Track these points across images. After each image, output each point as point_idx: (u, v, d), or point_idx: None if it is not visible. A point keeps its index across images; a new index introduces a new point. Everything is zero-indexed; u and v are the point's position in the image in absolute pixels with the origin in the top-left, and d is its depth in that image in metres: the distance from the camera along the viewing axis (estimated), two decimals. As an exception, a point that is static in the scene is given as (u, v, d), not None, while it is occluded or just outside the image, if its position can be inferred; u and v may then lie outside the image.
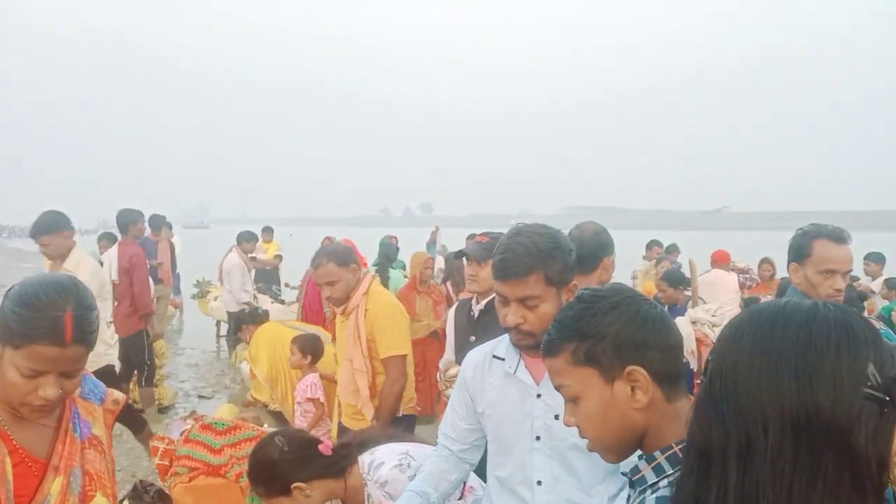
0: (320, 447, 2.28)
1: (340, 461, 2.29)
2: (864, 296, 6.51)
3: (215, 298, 10.39)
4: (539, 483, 1.81)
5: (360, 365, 3.42)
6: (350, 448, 2.36)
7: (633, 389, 1.18)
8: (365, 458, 2.30)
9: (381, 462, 2.25)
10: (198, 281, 11.99)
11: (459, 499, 2.33)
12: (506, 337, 1.93)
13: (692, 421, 0.92)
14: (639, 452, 1.24)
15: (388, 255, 7.40)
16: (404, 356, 3.45)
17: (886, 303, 6.47)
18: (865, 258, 8.29)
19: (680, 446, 1.16)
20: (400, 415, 3.49)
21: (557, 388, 1.26)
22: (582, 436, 1.25)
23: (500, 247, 1.82)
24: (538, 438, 1.81)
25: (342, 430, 3.67)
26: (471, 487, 2.39)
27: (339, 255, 3.47)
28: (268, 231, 11.64)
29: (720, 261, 8.10)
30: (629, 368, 1.17)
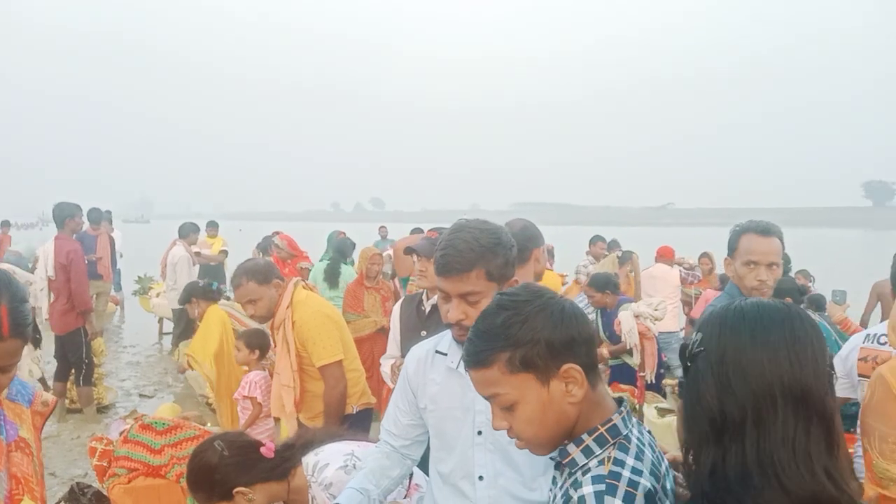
0: (262, 450, 2.24)
1: (283, 464, 2.26)
2: (803, 290, 6.70)
3: (157, 295, 10.16)
4: (480, 478, 1.81)
5: (288, 380, 3.43)
6: (293, 450, 2.31)
7: (566, 385, 1.23)
8: (309, 460, 2.26)
9: (326, 463, 2.21)
10: (139, 277, 11.68)
11: (405, 496, 2.32)
12: (448, 332, 1.92)
13: (701, 398, 1.13)
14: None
15: (342, 251, 7.31)
16: (339, 361, 3.42)
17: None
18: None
19: (605, 427, 1.26)
20: (354, 411, 3.50)
21: (489, 398, 1.27)
22: (514, 436, 1.28)
23: (442, 243, 1.81)
24: (480, 433, 1.81)
25: (301, 426, 3.64)
26: (416, 485, 2.38)
27: (259, 273, 3.41)
28: (212, 226, 11.39)
29: (664, 256, 8.35)
30: (565, 367, 1.22)
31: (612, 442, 1.23)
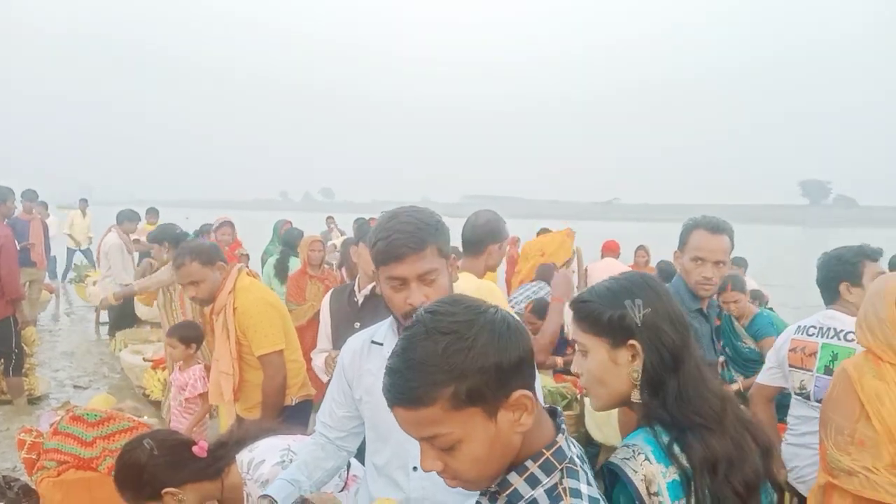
0: (194, 449, 2.17)
1: (216, 462, 2.19)
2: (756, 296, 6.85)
3: (94, 283, 9.84)
4: (415, 469, 1.80)
5: (227, 367, 3.35)
6: (227, 448, 2.24)
7: (515, 413, 1.07)
8: (244, 457, 2.20)
9: (262, 460, 2.15)
10: (75, 265, 11.31)
11: (343, 489, 2.29)
12: (385, 322, 1.90)
13: (664, 343, 1.41)
14: None
15: (290, 244, 7.10)
16: (280, 351, 3.35)
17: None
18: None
19: (551, 451, 1.12)
20: (293, 403, 3.43)
21: (426, 440, 1.08)
22: (448, 476, 1.10)
23: (383, 231, 1.75)
24: None
25: (239, 420, 3.54)
26: (354, 476, 2.35)
27: (203, 254, 3.32)
28: (153, 213, 11.12)
29: (611, 250, 8.65)
30: (517, 395, 1.05)
31: (559, 468, 1.11)
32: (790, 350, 3.06)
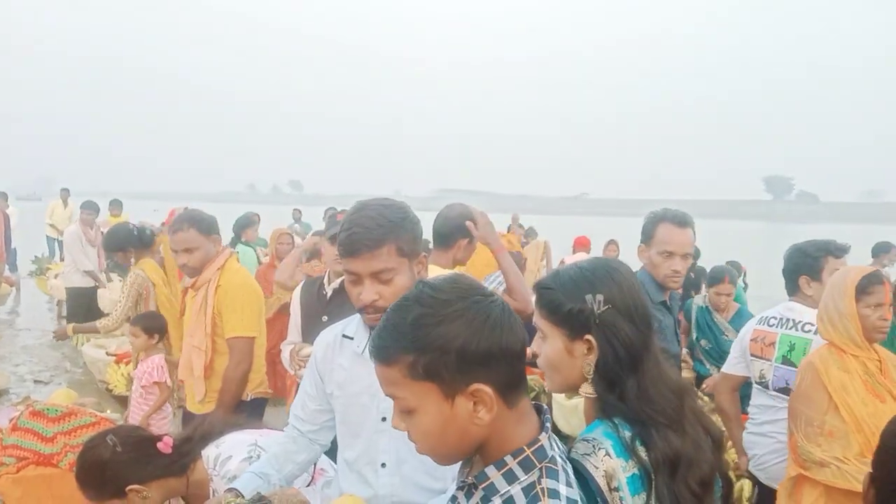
0: (159, 445, 2.12)
1: (182, 458, 2.15)
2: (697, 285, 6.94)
3: (56, 276, 9.64)
4: (383, 465, 1.80)
5: (200, 342, 3.26)
6: (192, 443, 2.20)
7: (475, 404, 1.08)
8: (210, 452, 2.16)
9: (229, 456, 2.12)
10: (36, 257, 11.07)
11: (310, 483, 2.28)
12: (357, 316, 1.89)
13: (621, 341, 1.39)
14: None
15: (235, 230, 7.00)
16: (251, 339, 3.29)
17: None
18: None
19: (532, 448, 1.12)
20: (248, 399, 3.35)
21: (389, 396, 1.14)
22: (412, 440, 1.15)
23: (346, 223, 1.74)
24: (384, 419, 1.79)
25: (187, 416, 3.48)
26: (321, 469, 2.34)
27: (202, 222, 3.29)
28: (116, 205, 10.92)
29: (583, 245, 8.98)
30: (474, 387, 1.07)
31: (538, 466, 1.10)
32: (752, 340, 3.13)
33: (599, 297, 1.40)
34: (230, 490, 1.79)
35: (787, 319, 3.03)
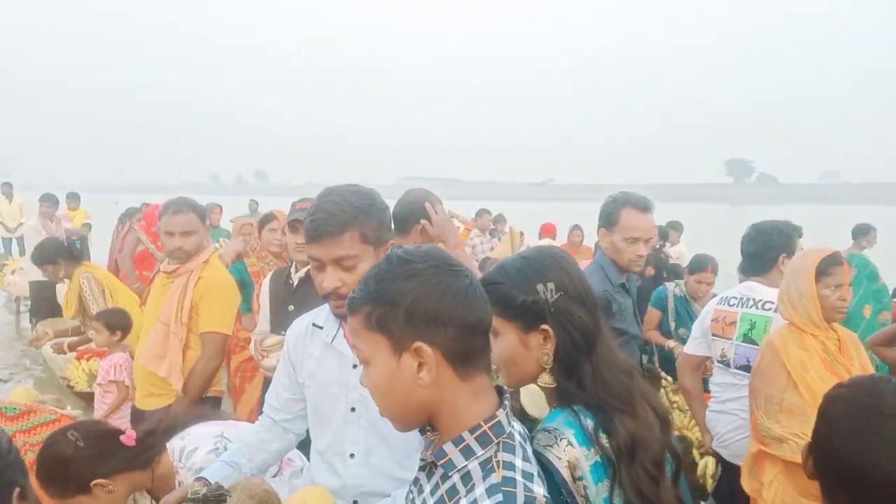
0: (122, 438, 2.09)
1: (147, 451, 2.12)
2: (677, 271, 6.99)
3: (13, 272, 9.38)
4: (352, 455, 1.79)
5: (177, 330, 3.18)
6: (156, 436, 2.18)
7: (419, 365, 1.11)
8: (175, 445, 2.15)
9: (195, 447, 2.11)
10: (-7, 252, 10.76)
11: (276, 473, 2.26)
12: (327, 305, 1.87)
13: (575, 326, 1.39)
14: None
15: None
16: (226, 336, 3.25)
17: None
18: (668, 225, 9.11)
19: (489, 424, 1.13)
20: (203, 396, 3.27)
21: (352, 348, 1.22)
22: (374, 401, 1.20)
23: (312, 208, 1.72)
24: (353, 410, 1.79)
25: (136, 413, 3.40)
26: (289, 459, 2.33)
27: (200, 209, 3.29)
28: (73, 198, 10.65)
29: (548, 232, 9.11)
30: (416, 344, 1.10)
31: (495, 441, 1.12)
32: (713, 320, 3.19)
33: (551, 285, 1.40)
34: (199, 479, 1.76)
35: (748, 298, 3.09)
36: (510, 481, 1.07)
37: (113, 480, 2.03)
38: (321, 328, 1.86)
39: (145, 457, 2.12)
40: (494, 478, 1.07)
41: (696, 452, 3.69)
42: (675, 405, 4.11)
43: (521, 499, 1.04)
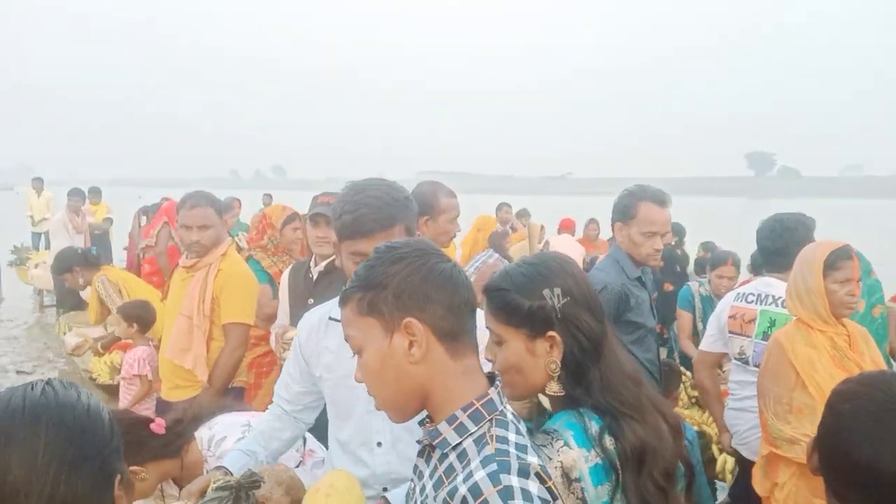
0: (152, 426, 2.14)
1: (176, 440, 2.16)
2: (684, 263, 6.91)
3: (37, 266, 9.52)
4: (379, 444, 1.81)
5: (200, 322, 3.23)
6: (183, 425, 2.22)
7: (410, 343, 1.15)
8: (204, 434, 2.19)
9: (224, 437, 2.14)
10: (15, 247, 10.93)
11: (299, 464, 2.28)
12: None
13: (582, 331, 1.38)
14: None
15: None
16: (248, 326, 3.30)
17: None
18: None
19: (481, 402, 1.15)
20: (229, 387, 3.33)
21: (346, 340, 1.24)
22: (370, 394, 1.22)
23: (349, 204, 1.72)
24: None
25: (161, 404, 3.45)
26: (311, 451, 2.35)
27: (217, 202, 3.34)
28: (95, 192, 10.79)
29: (567, 228, 9.11)
30: (406, 320, 1.14)
31: (488, 418, 1.14)
32: (730, 317, 3.14)
33: (557, 290, 1.38)
34: (218, 468, 1.79)
35: (767, 295, 3.03)
36: (503, 452, 1.10)
37: (145, 468, 2.06)
38: (339, 321, 1.87)
39: (175, 445, 2.16)
40: (488, 450, 1.10)
41: (715, 448, 3.66)
42: (693, 400, 4.08)
43: (514, 466, 1.07)
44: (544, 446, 1.31)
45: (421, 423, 1.23)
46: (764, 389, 2.57)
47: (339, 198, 1.80)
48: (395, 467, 1.80)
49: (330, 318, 1.89)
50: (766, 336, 2.95)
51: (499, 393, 1.19)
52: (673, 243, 7.69)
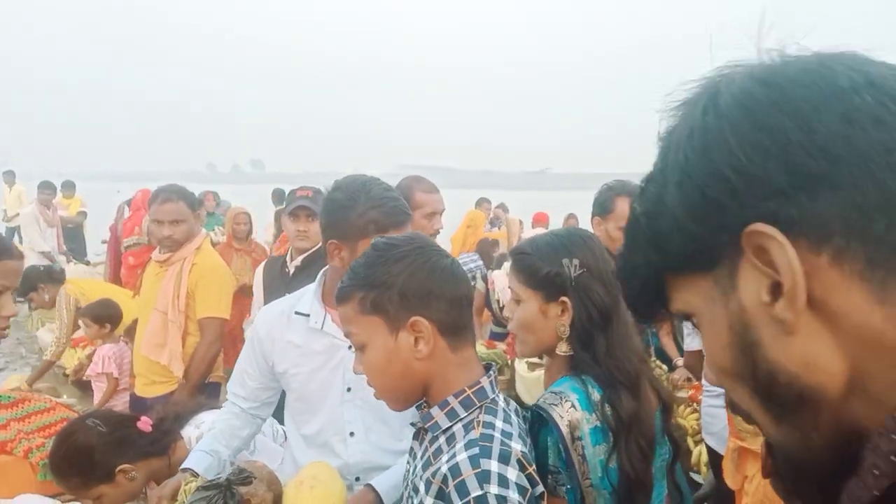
0: (139, 425, 2.11)
1: (164, 438, 2.14)
2: None
3: (7, 260, 9.35)
4: (352, 434, 1.81)
5: (175, 317, 3.21)
6: (168, 423, 2.20)
7: (416, 340, 1.20)
8: (191, 433, 2.17)
9: None
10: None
11: (282, 462, 2.26)
12: (307, 291, 1.89)
13: (594, 302, 1.47)
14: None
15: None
16: (224, 321, 3.28)
17: None
18: None
19: (473, 389, 1.21)
20: (206, 381, 3.31)
21: (347, 336, 1.28)
22: (369, 384, 1.27)
23: (374, 200, 1.77)
24: (349, 390, 1.80)
25: (136, 401, 3.40)
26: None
27: (190, 197, 3.30)
28: (68, 186, 10.63)
29: (540, 222, 9.28)
30: (413, 319, 1.19)
31: (478, 405, 1.21)
32: None
33: (576, 261, 1.50)
34: (185, 470, 1.77)
35: None
36: (488, 437, 1.15)
37: (135, 467, 2.03)
38: (306, 315, 1.86)
39: (163, 443, 2.13)
40: (473, 434, 1.16)
41: (690, 440, 3.70)
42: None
43: (496, 451, 1.12)
44: (555, 405, 1.43)
45: (419, 408, 1.28)
46: None
47: (347, 197, 1.79)
48: (368, 457, 1.81)
49: (296, 313, 1.88)
50: None
51: (492, 382, 1.25)
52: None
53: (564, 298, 1.48)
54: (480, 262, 6.62)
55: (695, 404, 3.68)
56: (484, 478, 1.07)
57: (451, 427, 1.20)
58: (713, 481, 3.27)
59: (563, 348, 1.51)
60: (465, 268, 4.52)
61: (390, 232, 1.73)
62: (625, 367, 1.47)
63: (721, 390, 3.01)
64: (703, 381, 3.28)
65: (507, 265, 4.96)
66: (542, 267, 1.50)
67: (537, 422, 1.44)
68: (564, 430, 1.39)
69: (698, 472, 3.61)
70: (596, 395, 1.44)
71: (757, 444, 2.45)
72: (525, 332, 1.54)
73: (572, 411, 1.41)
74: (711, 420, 3.17)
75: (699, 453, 3.59)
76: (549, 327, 1.51)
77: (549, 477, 1.37)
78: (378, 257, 1.22)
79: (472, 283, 6.32)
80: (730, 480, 2.64)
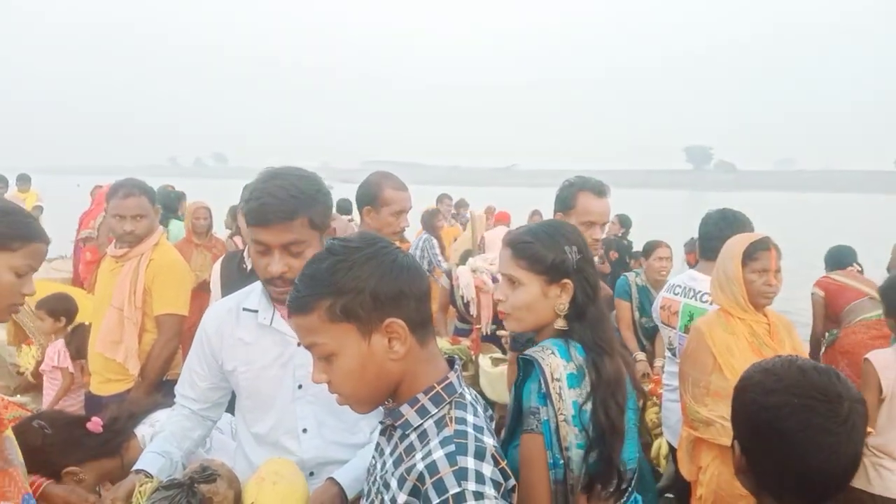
0: (88, 426, 2.06)
1: (115, 438, 2.09)
2: (632, 252, 7.05)
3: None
4: (304, 431, 1.79)
5: (132, 314, 3.14)
6: (121, 422, 2.15)
7: (390, 341, 1.18)
8: (145, 432, 2.12)
9: None
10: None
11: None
12: (256, 287, 1.85)
13: (589, 284, 1.72)
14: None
15: (167, 205, 6.76)
16: (182, 317, 3.22)
17: None
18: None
19: (442, 385, 1.22)
20: (163, 379, 3.23)
21: (308, 347, 1.21)
22: (333, 391, 1.23)
23: (256, 191, 1.70)
24: (300, 387, 1.78)
25: (91, 399, 3.32)
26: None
27: (151, 192, 3.25)
28: (23, 179, 10.31)
29: (502, 220, 9.42)
30: (388, 321, 1.17)
31: (448, 400, 1.21)
32: (661, 308, 3.20)
33: (574, 248, 1.73)
34: (137, 471, 1.72)
35: (690, 289, 3.10)
36: (462, 433, 1.15)
37: (83, 468, 1.99)
38: (255, 311, 1.83)
39: (114, 443, 2.09)
40: (447, 430, 1.16)
41: (650, 434, 3.76)
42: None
43: (472, 448, 1.13)
44: (539, 352, 1.66)
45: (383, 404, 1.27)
46: (684, 374, 2.65)
47: (250, 184, 1.78)
48: (322, 452, 1.79)
49: (244, 309, 1.85)
50: (687, 329, 2.97)
51: (458, 377, 1.27)
52: (620, 234, 7.82)
53: (566, 281, 1.70)
54: (437, 249, 6.69)
55: (654, 398, 3.74)
56: (461, 475, 1.08)
57: (422, 424, 1.19)
58: (673, 474, 3.33)
59: (559, 323, 1.72)
60: (420, 255, 4.53)
61: (257, 229, 1.69)
62: (607, 334, 1.71)
63: (675, 385, 3.07)
64: (662, 376, 3.34)
65: (472, 261, 4.97)
66: (547, 254, 1.70)
67: (525, 368, 1.68)
68: (546, 370, 1.61)
69: (658, 466, 3.67)
70: (578, 357, 1.65)
71: (707, 433, 2.50)
72: (524, 311, 1.73)
73: (553, 357, 1.64)
74: (668, 414, 3.22)
75: (658, 446, 3.65)
76: (548, 306, 1.71)
77: (531, 417, 1.59)
78: (341, 261, 1.17)
79: (429, 270, 6.37)
80: (685, 471, 2.68)
